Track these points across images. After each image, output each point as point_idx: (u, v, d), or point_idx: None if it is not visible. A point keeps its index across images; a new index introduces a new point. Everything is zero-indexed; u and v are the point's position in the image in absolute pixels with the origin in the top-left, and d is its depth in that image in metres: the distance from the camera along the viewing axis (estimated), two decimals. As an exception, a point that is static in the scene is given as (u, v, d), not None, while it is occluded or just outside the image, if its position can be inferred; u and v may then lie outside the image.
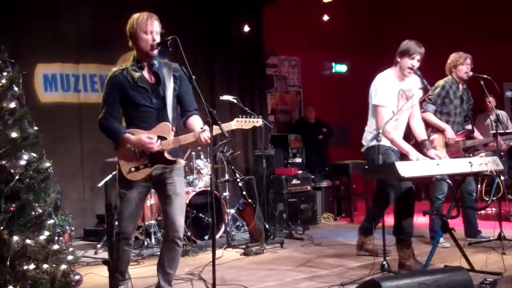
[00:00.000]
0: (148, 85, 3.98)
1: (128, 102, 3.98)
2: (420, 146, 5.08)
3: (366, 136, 5.24)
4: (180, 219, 4.06)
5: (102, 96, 4.09)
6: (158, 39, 3.91)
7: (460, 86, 6.12)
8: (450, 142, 5.93)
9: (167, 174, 4.06)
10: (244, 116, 4.10)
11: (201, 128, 3.85)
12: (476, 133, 6.29)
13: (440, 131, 5.97)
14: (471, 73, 5.99)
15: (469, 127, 6.26)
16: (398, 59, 5.05)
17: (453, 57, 6.11)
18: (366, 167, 4.96)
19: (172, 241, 4.05)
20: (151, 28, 3.89)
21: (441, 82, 6.08)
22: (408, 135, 5.30)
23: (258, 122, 4.12)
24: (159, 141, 3.94)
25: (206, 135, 3.82)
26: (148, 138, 3.91)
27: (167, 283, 4.13)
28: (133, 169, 4.00)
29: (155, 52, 3.95)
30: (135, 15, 3.96)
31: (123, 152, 4.01)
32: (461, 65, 6.02)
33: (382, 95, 5.01)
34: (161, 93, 3.98)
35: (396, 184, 4.90)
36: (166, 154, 3.99)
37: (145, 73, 4.00)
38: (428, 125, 5.80)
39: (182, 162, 4.21)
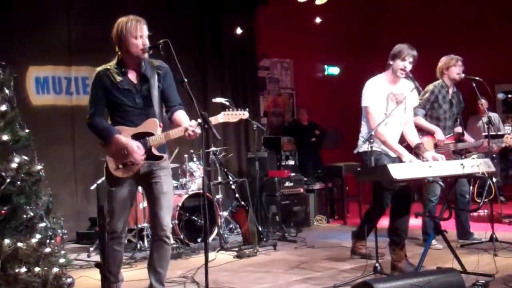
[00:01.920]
0: (132, 86, 4.06)
1: (112, 102, 4.06)
2: (415, 150, 5.09)
3: (360, 141, 5.23)
4: (167, 218, 4.11)
5: (89, 96, 4.17)
6: (147, 42, 3.97)
7: (450, 90, 6.14)
8: (439, 143, 5.96)
9: (155, 173, 4.12)
10: (230, 109, 4.23)
11: (190, 125, 3.91)
12: (467, 136, 6.31)
13: (430, 133, 5.99)
14: (463, 75, 6.02)
15: (459, 129, 6.28)
16: (391, 62, 5.07)
17: (444, 59, 6.13)
18: (358, 169, 4.97)
19: (161, 239, 4.11)
20: (140, 33, 3.95)
21: (430, 87, 6.09)
22: (400, 139, 5.31)
23: (245, 114, 4.26)
24: (144, 156, 4.02)
25: (193, 129, 3.88)
26: (138, 147, 4.00)
27: (159, 283, 4.15)
28: (120, 166, 4.04)
29: (146, 55, 4.01)
30: (122, 20, 3.99)
31: (111, 149, 4.04)
32: (453, 66, 6.05)
33: (370, 96, 5.04)
34: (145, 93, 4.05)
35: (393, 186, 4.90)
36: (153, 150, 4.06)
37: (130, 75, 4.08)
38: (418, 129, 5.82)
39: (168, 161, 4.27)
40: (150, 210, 4.20)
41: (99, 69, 4.10)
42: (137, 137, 4.05)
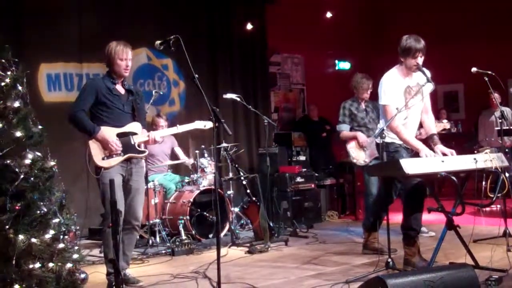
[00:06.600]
0: (120, 94, 4.83)
1: (104, 104, 4.74)
2: (428, 141, 5.07)
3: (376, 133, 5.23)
4: (140, 211, 4.94)
5: (79, 95, 4.85)
6: (130, 64, 4.82)
7: (363, 103, 6.77)
8: (363, 144, 6.48)
9: (135, 170, 4.85)
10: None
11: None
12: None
13: (354, 138, 6.56)
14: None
15: None
16: (402, 59, 5.02)
17: (356, 82, 6.78)
18: (370, 164, 4.95)
19: (134, 228, 4.88)
20: (125, 56, 4.76)
21: (342, 105, 6.81)
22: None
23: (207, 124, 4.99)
24: (120, 147, 4.73)
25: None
26: (115, 143, 4.70)
27: (126, 263, 4.90)
28: (106, 158, 4.69)
29: (127, 74, 4.85)
30: (113, 43, 4.78)
31: (96, 142, 4.68)
32: (363, 90, 6.70)
33: (388, 94, 4.99)
34: (130, 103, 4.86)
35: (406, 180, 4.87)
36: (136, 146, 4.84)
37: (118, 86, 4.84)
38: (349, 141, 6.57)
39: (143, 161, 5.09)
40: (126, 201, 4.80)
41: (92, 77, 4.70)
42: (122, 135, 4.75)
